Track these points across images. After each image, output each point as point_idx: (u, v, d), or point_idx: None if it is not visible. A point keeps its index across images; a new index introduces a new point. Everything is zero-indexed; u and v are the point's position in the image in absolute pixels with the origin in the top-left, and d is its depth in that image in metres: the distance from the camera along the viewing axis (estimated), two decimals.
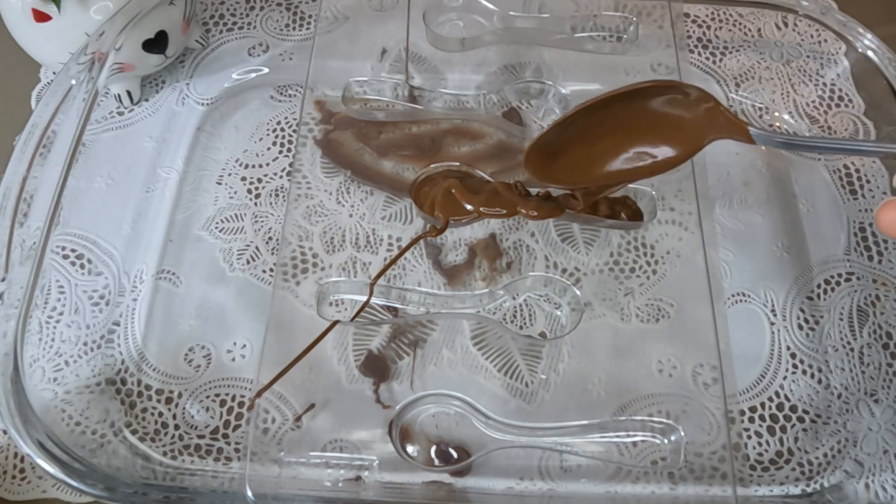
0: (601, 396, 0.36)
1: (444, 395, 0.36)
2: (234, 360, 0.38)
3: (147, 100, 0.46)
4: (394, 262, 0.39)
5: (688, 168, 0.42)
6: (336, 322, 0.36)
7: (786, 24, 0.50)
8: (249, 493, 0.32)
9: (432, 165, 0.41)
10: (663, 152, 0.32)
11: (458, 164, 0.41)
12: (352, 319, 0.38)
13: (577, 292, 0.39)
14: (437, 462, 0.35)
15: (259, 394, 0.34)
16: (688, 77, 0.42)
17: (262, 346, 0.35)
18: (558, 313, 0.39)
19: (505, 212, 0.36)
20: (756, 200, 0.44)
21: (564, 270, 0.40)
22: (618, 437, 0.36)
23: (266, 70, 0.48)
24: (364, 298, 0.38)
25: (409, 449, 0.35)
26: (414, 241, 0.39)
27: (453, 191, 0.37)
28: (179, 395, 0.38)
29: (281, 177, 0.44)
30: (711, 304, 0.36)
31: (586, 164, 0.33)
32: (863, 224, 0.43)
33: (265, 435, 0.35)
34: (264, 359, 0.34)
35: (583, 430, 0.36)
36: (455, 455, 0.35)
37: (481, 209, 0.36)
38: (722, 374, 0.35)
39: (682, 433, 0.35)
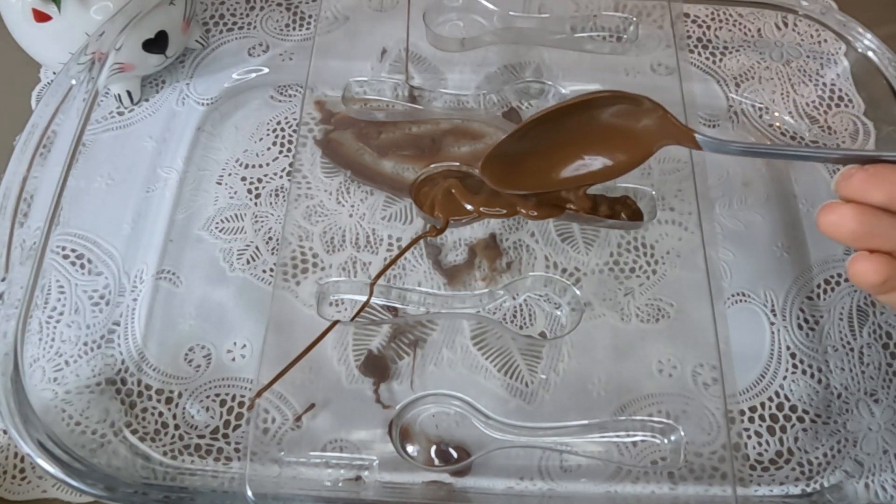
0: (601, 396, 0.36)
1: (444, 395, 0.36)
2: (234, 359, 0.38)
3: (147, 100, 0.46)
4: (394, 262, 0.39)
5: (688, 168, 0.42)
6: (336, 322, 0.36)
7: (786, 24, 0.50)
8: (249, 493, 0.32)
9: (432, 165, 0.41)
10: (617, 158, 0.33)
11: (457, 164, 0.41)
12: (352, 319, 0.38)
13: (577, 292, 0.39)
14: (437, 462, 0.35)
15: (259, 394, 0.34)
16: (688, 77, 0.42)
17: (263, 346, 0.35)
18: (558, 313, 0.39)
19: (505, 212, 0.36)
20: (756, 200, 0.44)
21: (564, 270, 0.40)
22: (618, 437, 0.36)
23: (266, 70, 0.48)
24: (363, 298, 0.38)
25: (409, 449, 0.35)
26: (414, 241, 0.39)
27: (453, 191, 0.37)
28: (179, 395, 0.38)
29: (281, 177, 0.44)
30: (711, 304, 0.36)
31: (543, 171, 0.34)
32: None
33: (265, 435, 0.35)
34: (264, 359, 0.34)
35: (583, 430, 0.36)
36: (455, 455, 0.35)
37: (481, 209, 0.36)
38: (722, 374, 0.35)
39: (682, 433, 0.35)
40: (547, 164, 0.34)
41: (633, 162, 0.33)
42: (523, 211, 0.36)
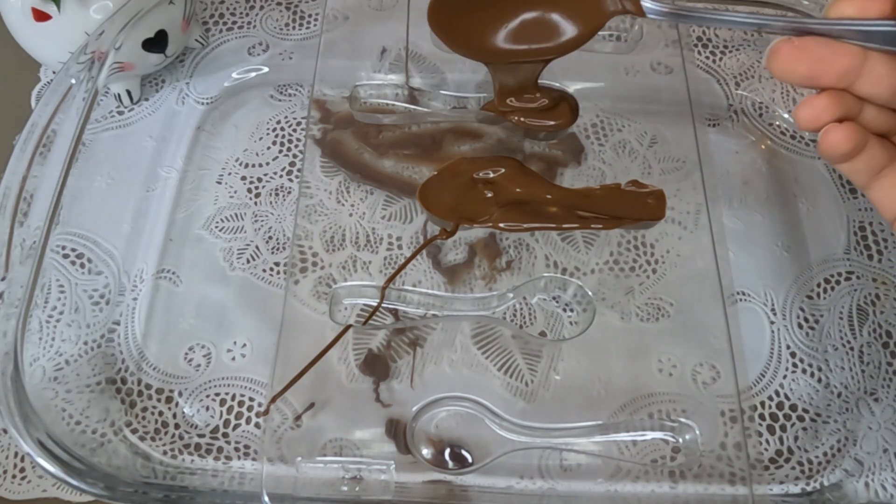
0: (601, 396, 0.36)
1: (456, 398, 0.36)
2: (233, 359, 0.38)
3: (147, 99, 0.46)
4: (404, 266, 0.39)
5: (687, 167, 0.42)
6: (349, 326, 0.36)
7: None
8: (266, 499, 0.32)
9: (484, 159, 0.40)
10: (566, 26, 0.33)
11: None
12: (364, 324, 0.38)
13: (590, 293, 0.39)
14: (451, 465, 0.35)
15: (274, 399, 0.34)
16: (691, 77, 0.42)
17: (276, 351, 0.35)
18: (569, 314, 0.39)
19: (525, 226, 0.36)
20: (756, 199, 0.44)
21: (564, 270, 0.40)
22: (620, 436, 0.36)
23: (266, 69, 0.48)
24: (363, 301, 0.38)
25: (418, 450, 0.35)
26: (426, 244, 0.39)
27: (504, 170, 0.37)
28: (179, 395, 0.38)
29: (281, 176, 0.44)
30: (723, 304, 0.36)
31: (489, 28, 0.34)
32: (863, 223, 0.43)
33: (265, 434, 0.35)
34: (278, 363, 0.34)
35: (587, 431, 0.35)
36: (469, 458, 0.35)
37: (500, 224, 0.36)
38: (735, 374, 0.35)
39: (684, 432, 0.35)
40: (494, 19, 0.34)
41: (583, 36, 0.33)
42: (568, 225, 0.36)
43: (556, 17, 0.33)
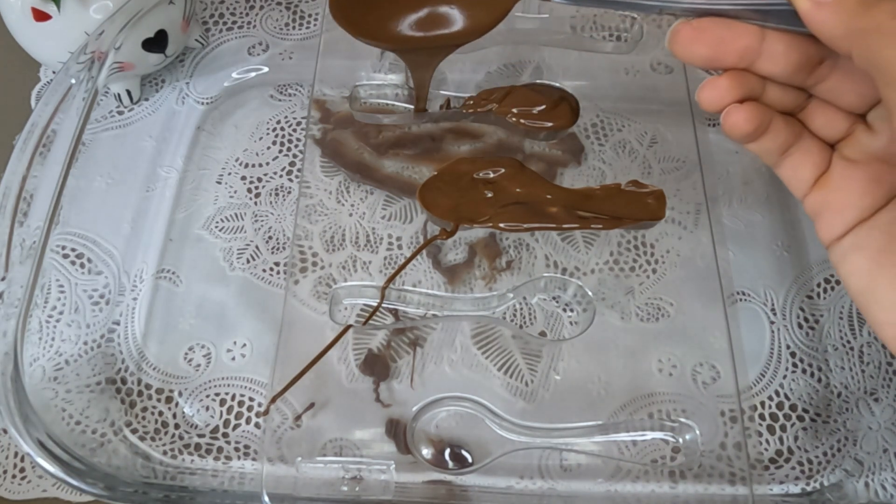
0: (601, 396, 0.36)
1: (457, 398, 0.36)
2: (233, 359, 0.38)
3: (147, 99, 0.46)
4: (404, 266, 0.39)
5: (687, 167, 0.42)
6: (349, 326, 0.36)
7: None
8: (266, 499, 0.32)
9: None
10: (473, 12, 0.33)
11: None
12: (364, 324, 0.38)
13: (590, 293, 0.39)
14: (451, 465, 0.35)
15: (274, 399, 0.34)
16: (691, 77, 0.42)
17: (276, 351, 0.35)
18: (569, 314, 0.39)
19: (525, 226, 0.36)
20: (756, 199, 0.44)
21: (564, 270, 0.40)
22: (619, 436, 0.36)
23: (266, 69, 0.48)
24: (363, 302, 0.38)
25: (418, 450, 0.35)
26: (426, 244, 0.39)
27: (503, 170, 0.37)
28: (179, 395, 0.38)
29: (281, 176, 0.44)
30: (723, 304, 0.36)
31: (395, 15, 0.33)
32: None
33: (265, 434, 0.35)
34: (278, 363, 0.34)
35: (587, 431, 0.35)
36: (470, 458, 0.35)
37: (501, 224, 0.36)
38: (735, 374, 0.35)
39: (684, 432, 0.35)
40: (402, 6, 0.33)
41: (490, 21, 0.32)
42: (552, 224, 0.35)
43: (462, 2, 0.33)
